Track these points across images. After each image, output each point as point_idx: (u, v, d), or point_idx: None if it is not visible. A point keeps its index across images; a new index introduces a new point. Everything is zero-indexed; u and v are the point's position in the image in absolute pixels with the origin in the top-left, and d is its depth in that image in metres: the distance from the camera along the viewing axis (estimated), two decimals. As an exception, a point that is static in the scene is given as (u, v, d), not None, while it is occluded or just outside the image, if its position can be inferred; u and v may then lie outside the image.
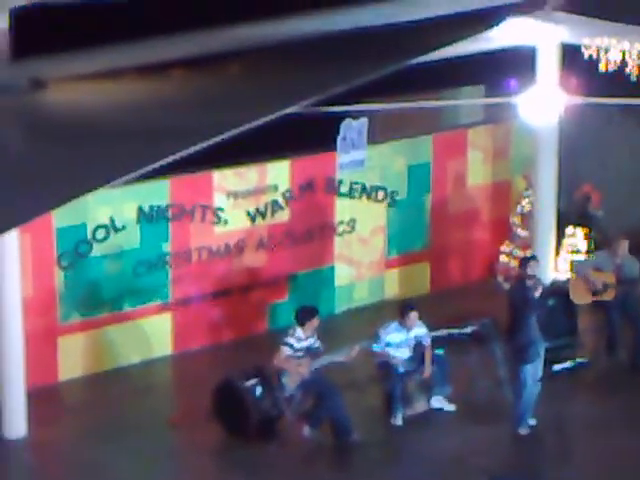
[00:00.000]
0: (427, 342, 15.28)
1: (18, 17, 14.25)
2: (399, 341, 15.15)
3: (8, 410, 14.81)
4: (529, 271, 15.25)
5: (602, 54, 16.96)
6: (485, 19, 15.80)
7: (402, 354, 15.14)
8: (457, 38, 15.65)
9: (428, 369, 15.19)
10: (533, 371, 14.93)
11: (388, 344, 15.10)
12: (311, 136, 17.10)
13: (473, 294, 18.31)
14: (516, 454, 14.72)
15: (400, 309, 15.45)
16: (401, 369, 15.12)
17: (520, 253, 18.45)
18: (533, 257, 16.00)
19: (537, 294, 15.14)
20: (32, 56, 14.43)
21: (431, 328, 15.48)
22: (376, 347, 15.08)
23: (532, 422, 15.06)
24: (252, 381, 14.83)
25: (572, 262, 17.93)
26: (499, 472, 13.56)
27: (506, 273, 18.28)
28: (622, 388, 16.13)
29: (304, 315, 14.99)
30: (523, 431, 14.90)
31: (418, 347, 15.26)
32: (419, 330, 15.28)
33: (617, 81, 17.22)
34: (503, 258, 18.98)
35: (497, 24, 15.85)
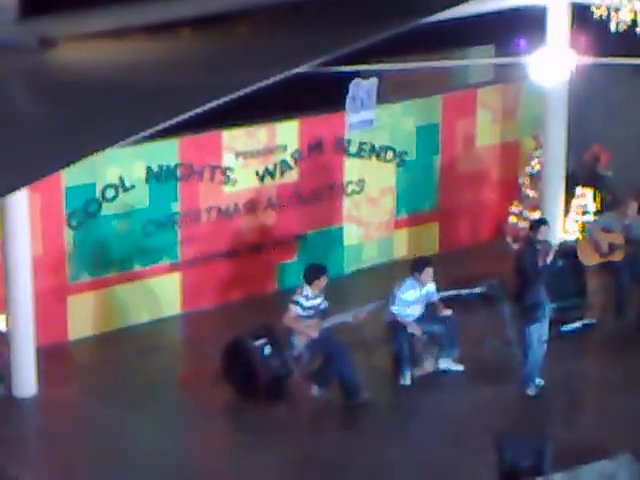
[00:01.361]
0: (435, 297, 15.43)
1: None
2: (414, 298, 15.27)
3: (18, 369, 14.94)
4: (540, 236, 15.35)
5: (612, 14, 16.97)
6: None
7: (414, 311, 15.26)
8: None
9: (447, 311, 15.35)
10: (539, 332, 15.04)
11: (402, 301, 15.22)
12: (320, 96, 17.15)
13: (482, 254, 18.36)
14: (524, 413, 14.84)
15: (416, 264, 15.56)
16: (410, 330, 15.23)
17: (529, 214, 18.54)
18: (544, 221, 16.05)
19: (548, 260, 15.24)
20: (41, 14, 14.49)
21: (440, 288, 15.60)
22: (396, 309, 15.19)
23: (540, 382, 15.16)
24: (261, 340, 14.94)
25: (581, 223, 18.00)
26: (507, 431, 13.63)
27: (515, 234, 18.30)
28: (631, 348, 16.20)
29: (312, 273, 15.08)
30: (531, 392, 15.01)
31: (428, 306, 15.39)
32: (430, 286, 15.42)
33: (627, 41, 17.24)
34: (512, 218, 18.98)
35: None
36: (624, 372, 15.61)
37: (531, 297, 15.04)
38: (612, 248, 16.74)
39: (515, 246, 17.60)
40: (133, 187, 16.49)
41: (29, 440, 14.43)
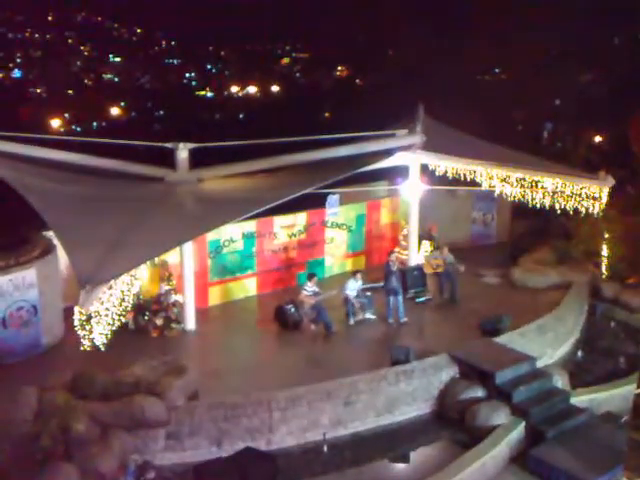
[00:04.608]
0: (362, 287, 15.36)
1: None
2: (353, 287, 15.20)
3: (187, 317, 14.87)
4: (392, 257, 15.49)
5: (437, 167, 17.14)
6: (386, 152, 15.99)
7: (353, 293, 15.22)
8: (375, 161, 15.82)
9: (365, 297, 15.24)
10: (394, 300, 14.99)
11: (349, 289, 15.13)
12: (316, 202, 17.26)
13: (381, 269, 18.21)
14: (400, 334, 14.64)
15: (354, 272, 15.62)
16: (352, 300, 15.18)
17: (403, 253, 18.39)
18: (393, 251, 16.25)
19: (400, 268, 15.71)
20: (197, 168, 14.64)
21: (365, 283, 15.54)
22: (345, 291, 15.15)
23: (405, 319, 15.03)
24: (289, 305, 14.96)
25: (425, 256, 17.94)
26: (395, 343, 13.61)
27: (397, 259, 17.82)
28: (444, 308, 16.06)
29: (310, 276, 15.22)
30: (390, 320, 14.97)
31: (359, 291, 15.32)
32: (360, 282, 15.36)
33: (444, 179, 17.39)
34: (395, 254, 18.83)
35: (392, 154, 16.03)
36: (441, 318, 15.50)
37: (389, 285, 15.08)
38: (437, 266, 16.78)
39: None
40: (236, 240, 16.44)
41: (190, 347, 14.27)
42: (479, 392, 12.26)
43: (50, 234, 13.85)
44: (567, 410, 12.03)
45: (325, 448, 11.17)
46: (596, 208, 15.33)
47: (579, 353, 14.66)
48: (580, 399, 12.43)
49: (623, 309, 16.16)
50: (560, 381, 12.80)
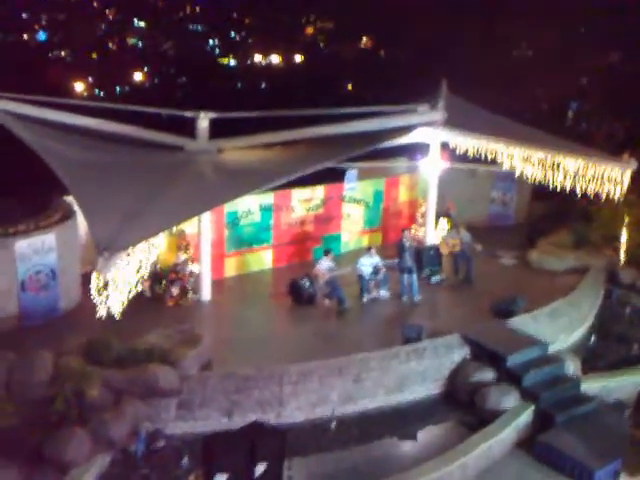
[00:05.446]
0: (380, 264, 15.23)
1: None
2: (368, 263, 15.11)
3: (204, 289, 14.90)
4: (407, 234, 15.44)
5: (457, 145, 16.86)
6: (407, 128, 15.74)
7: (367, 270, 15.12)
8: (395, 136, 15.61)
9: (382, 273, 15.09)
10: (408, 278, 14.93)
11: (363, 265, 15.05)
12: (335, 176, 17.14)
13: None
14: (413, 312, 14.55)
15: (369, 248, 15.54)
16: (367, 277, 15.11)
17: (420, 230, 18.21)
18: (408, 229, 16.34)
19: (418, 246, 15.90)
20: (217, 138, 14.54)
21: (381, 259, 15.37)
22: (358, 266, 15.08)
23: (419, 298, 14.94)
24: (304, 279, 14.93)
25: (442, 236, 17.63)
26: (408, 321, 13.55)
27: (413, 237, 17.67)
28: (459, 289, 15.94)
29: (326, 252, 15.16)
30: (404, 299, 14.89)
31: (375, 267, 15.21)
32: (377, 258, 15.25)
33: (464, 157, 17.12)
34: (413, 231, 18.47)
35: (412, 130, 15.79)
36: (455, 298, 15.43)
37: (402, 264, 15.03)
38: (454, 245, 16.63)
39: (413, 243, 17.19)
40: (253, 213, 16.39)
41: (205, 317, 14.30)
42: (490, 374, 12.19)
43: (70, 199, 13.89)
44: (577, 396, 11.94)
45: (334, 424, 11.21)
46: (617, 192, 15.04)
47: (593, 339, 14.54)
48: (591, 386, 12.33)
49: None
50: (572, 367, 12.70)
